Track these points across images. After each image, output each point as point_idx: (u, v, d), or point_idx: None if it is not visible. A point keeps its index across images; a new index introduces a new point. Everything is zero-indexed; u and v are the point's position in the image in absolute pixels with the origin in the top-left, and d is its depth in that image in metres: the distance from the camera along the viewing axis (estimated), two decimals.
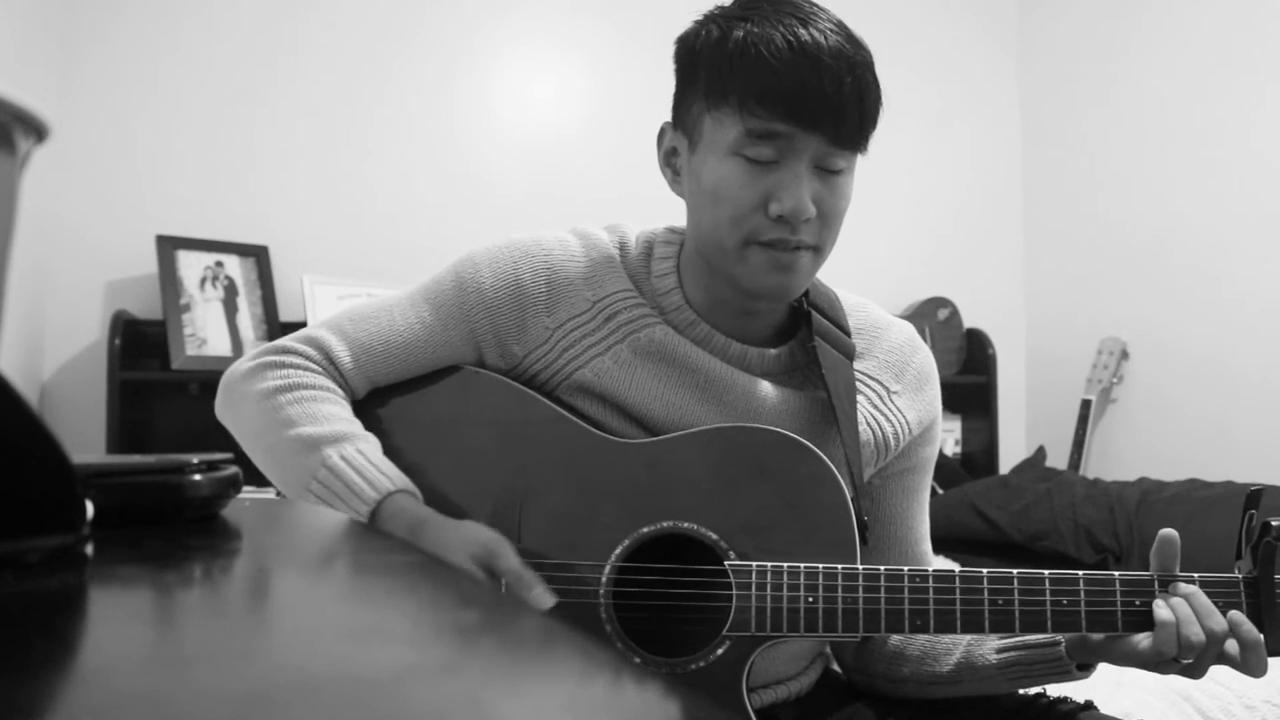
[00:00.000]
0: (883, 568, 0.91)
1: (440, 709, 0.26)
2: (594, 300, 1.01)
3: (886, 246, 3.02)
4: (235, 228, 2.50)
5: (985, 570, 0.91)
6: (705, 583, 0.94)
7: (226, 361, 1.54)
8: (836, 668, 1.12)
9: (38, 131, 0.36)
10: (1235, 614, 0.88)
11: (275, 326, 2.44)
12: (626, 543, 0.94)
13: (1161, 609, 0.88)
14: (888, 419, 1.04)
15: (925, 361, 1.09)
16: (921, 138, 3.09)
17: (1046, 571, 0.91)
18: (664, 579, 0.95)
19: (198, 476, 0.55)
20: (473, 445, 1.00)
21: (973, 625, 0.90)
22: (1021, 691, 1.02)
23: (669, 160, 1.01)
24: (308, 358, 1.01)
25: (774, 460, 0.95)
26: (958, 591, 0.90)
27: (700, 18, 0.97)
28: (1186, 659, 0.87)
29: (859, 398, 1.03)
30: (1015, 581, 0.90)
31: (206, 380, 2.26)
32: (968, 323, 3.05)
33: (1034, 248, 3.24)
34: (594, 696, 0.29)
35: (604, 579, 0.94)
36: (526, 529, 0.96)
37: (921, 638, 1.02)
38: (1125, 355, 2.87)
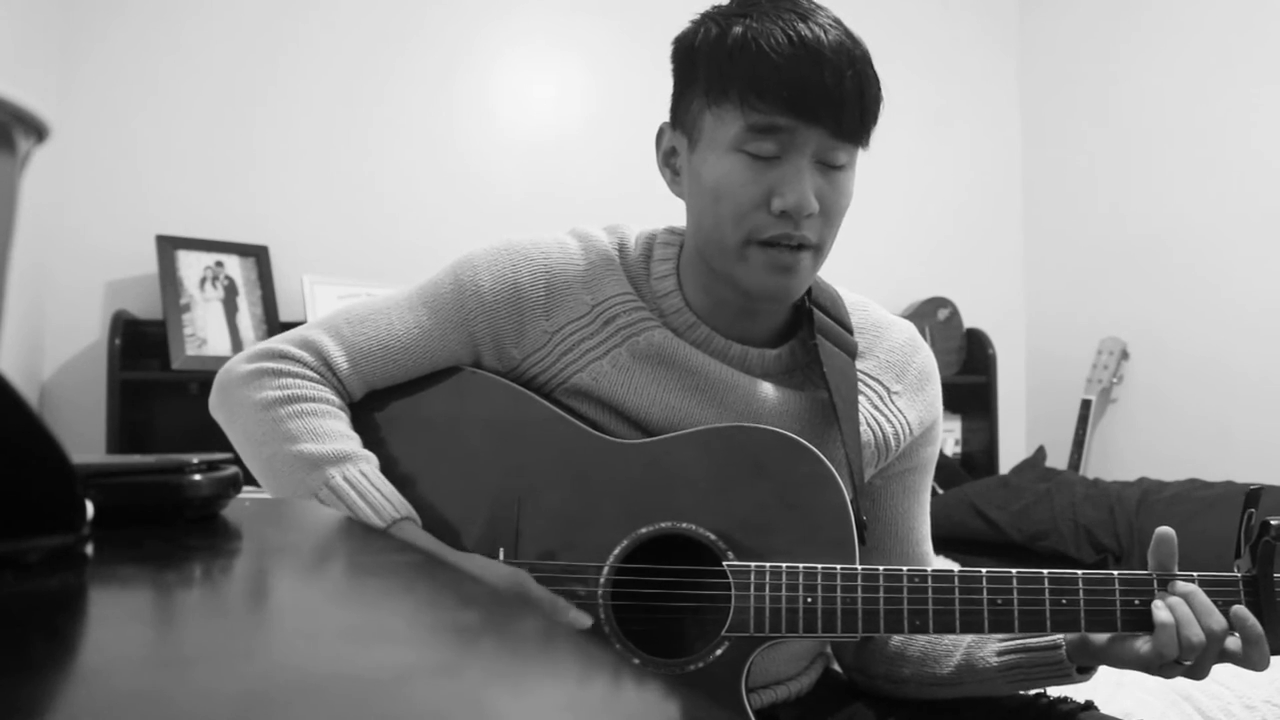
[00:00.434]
0: (881, 568, 0.91)
1: (440, 709, 0.26)
2: (593, 304, 1.00)
3: (886, 246, 3.02)
4: (235, 228, 2.50)
5: (984, 570, 0.91)
6: (704, 583, 0.94)
7: (226, 362, 1.53)
8: (837, 668, 1.12)
9: (38, 131, 0.36)
10: (1238, 609, 0.87)
11: (275, 326, 2.44)
12: (625, 543, 0.94)
13: (1160, 610, 0.87)
14: (889, 419, 1.04)
15: (926, 361, 1.09)
16: (921, 137, 3.08)
17: (1045, 571, 0.90)
18: (663, 580, 0.95)
19: (198, 476, 0.54)
20: (471, 446, 1.00)
21: (972, 625, 0.90)
22: (1022, 692, 1.02)
23: (668, 160, 1.01)
24: (305, 364, 1.00)
25: (772, 460, 0.95)
26: (956, 591, 0.90)
27: (697, 17, 0.97)
28: (1187, 660, 0.87)
29: (860, 398, 1.03)
30: (1014, 581, 0.90)
31: (206, 380, 2.22)
32: (968, 323, 3.05)
33: (1034, 248, 3.24)
34: (593, 697, 0.29)
35: (603, 579, 0.94)
36: (525, 530, 0.96)
37: (922, 639, 1.02)
38: (1125, 355, 2.87)
